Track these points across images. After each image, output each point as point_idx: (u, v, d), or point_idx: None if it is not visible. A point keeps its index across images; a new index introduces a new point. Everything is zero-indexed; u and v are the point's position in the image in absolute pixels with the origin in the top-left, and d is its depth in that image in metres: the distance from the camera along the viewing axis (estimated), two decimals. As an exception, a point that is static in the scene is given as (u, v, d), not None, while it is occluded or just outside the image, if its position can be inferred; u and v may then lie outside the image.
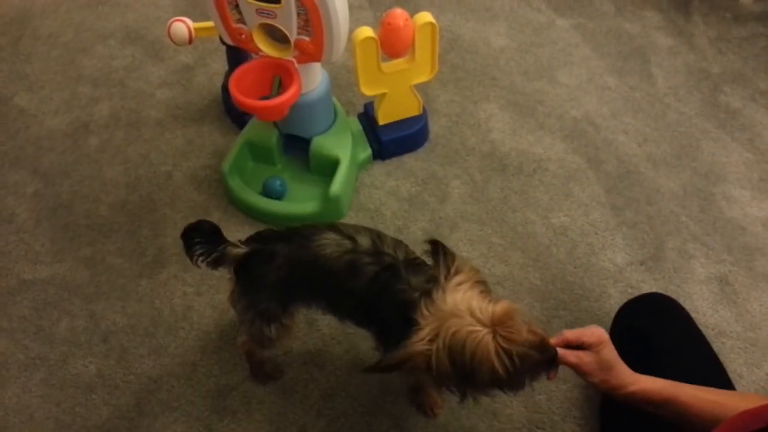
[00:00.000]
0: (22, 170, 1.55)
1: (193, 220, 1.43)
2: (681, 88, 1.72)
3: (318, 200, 1.42)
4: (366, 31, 1.34)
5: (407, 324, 0.88)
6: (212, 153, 1.58)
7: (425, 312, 0.86)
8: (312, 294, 1.06)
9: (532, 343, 0.84)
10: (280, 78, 1.31)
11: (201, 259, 1.03)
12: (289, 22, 1.19)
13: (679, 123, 1.64)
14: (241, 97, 1.24)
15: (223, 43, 1.49)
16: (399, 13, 1.33)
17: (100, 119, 1.66)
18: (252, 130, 1.49)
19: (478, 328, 0.82)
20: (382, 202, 1.47)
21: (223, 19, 1.25)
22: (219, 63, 1.76)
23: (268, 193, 1.44)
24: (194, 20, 1.36)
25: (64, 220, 1.45)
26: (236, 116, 1.62)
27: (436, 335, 0.84)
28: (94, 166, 1.55)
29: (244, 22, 1.24)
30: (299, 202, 1.44)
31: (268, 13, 1.19)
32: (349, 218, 1.44)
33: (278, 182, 1.45)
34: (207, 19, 1.39)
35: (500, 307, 0.83)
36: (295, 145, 1.49)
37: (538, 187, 1.50)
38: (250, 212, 1.45)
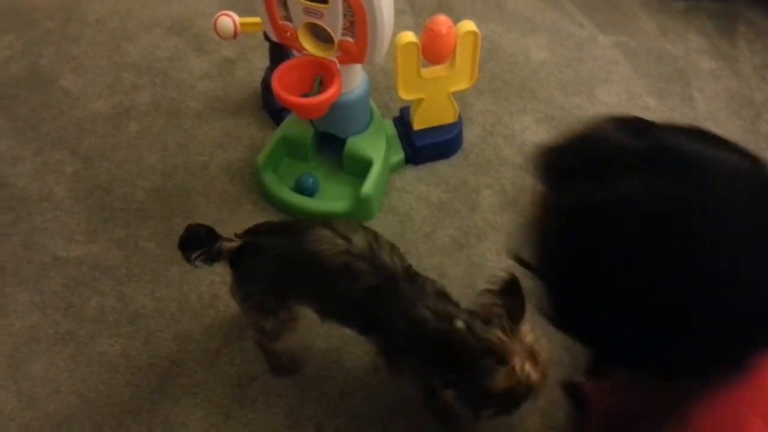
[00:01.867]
0: (63, 150, 1.59)
1: (225, 210, 1.48)
2: (721, 113, 1.70)
3: (349, 200, 1.43)
4: (408, 36, 1.35)
5: (420, 340, 0.94)
6: (248, 146, 1.61)
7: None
8: (304, 291, 1.07)
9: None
10: (321, 77, 1.32)
11: (198, 260, 1.05)
12: (335, 22, 1.21)
13: (717, 148, 1.62)
14: (283, 93, 1.26)
15: (267, 39, 1.52)
16: (443, 20, 1.33)
17: (142, 106, 1.70)
18: (289, 126, 1.51)
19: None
20: (412, 206, 1.48)
21: (270, 15, 1.27)
22: (260, 59, 1.79)
23: (300, 189, 1.45)
24: (238, 15, 1.39)
25: (101, 202, 1.49)
26: (273, 111, 1.65)
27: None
28: (133, 152, 1.59)
29: (290, 20, 1.26)
30: (330, 200, 1.46)
31: (315, 13, 1.21)
32: (379, 220, 1.45)
33: (311, 179, 1.47)
34: (252, 14, 1.41)
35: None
36: (330, 144, 1.51)
37: (569, 203, 1.49)
38: (281, 207, 1.46)
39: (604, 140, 0.65)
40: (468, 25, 1.36)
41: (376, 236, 1.03)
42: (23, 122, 1.66)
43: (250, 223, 1.43)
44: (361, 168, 1.45)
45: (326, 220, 1.06)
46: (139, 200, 1.49)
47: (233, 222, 1.45)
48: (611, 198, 0.61)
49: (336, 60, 1.29)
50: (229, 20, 1.43)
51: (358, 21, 1.19)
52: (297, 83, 1.32)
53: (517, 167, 1.55)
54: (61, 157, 1.58)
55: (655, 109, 1.70)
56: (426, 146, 1.53)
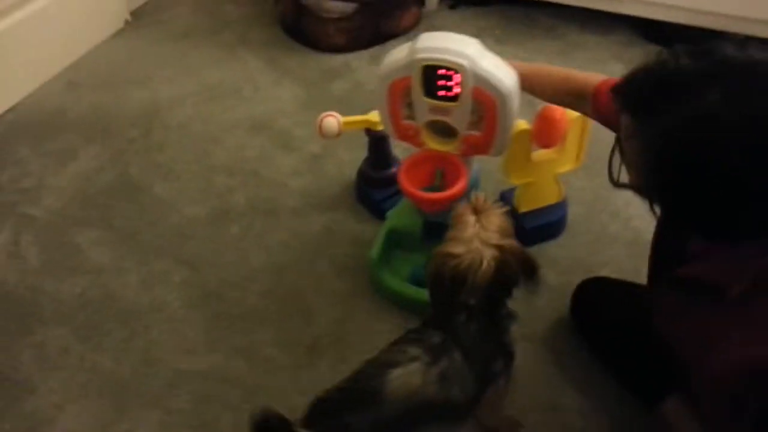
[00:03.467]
0: (167, 258, 1.58)
1: (341, 309, 1.45)
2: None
3: (470, 290, 1.40)
4: (521, 124, 1.37)
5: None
6: (350, 240, 1.60)
7: None
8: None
9: None
10: (442, 170, 1.33)
11: None
12: (462, 119, 1.23)
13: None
14: (410, 188, 1.27)
15: (368, 133, 1.55)
16: (556, 107, 1.36)
17: (238, 207, 1.70)
18: (397, 218, 1.51)
19: None
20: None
21: (394, 116, 1.29)
22: (347, 152, 1.81)
23: (417, 281, 1.43)
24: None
25: (215, 309, 1.46)
26: (370, 204, 1.65)
27: None
28: (238, 254, 1.58)
29: (413, 119, 1.28)
30: (450, 291, 1.43)
31: (442, 111, 1.23)
32: (500, 308, 1.42)
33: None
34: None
35: None
36: (436, 232, 1.50)
37: (688, 276, 1.46)
38: (399, 300, 1.43)
39: (669, 68, 0.76)
40: (578, 110, 1.39)
41: (410, 331, 1.04)
42: (121, 232, 1.66)
43: (373, 323, 1.42)
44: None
45: (380, 359, 1.01)
46: (252, 304, 1.47)
47: (355, 320, 1.42)
48: (692, 114, 0.72)
49: (458, 154, 1.30)
50: (334, 120, 1.46)
51: (487, 117, 1.21)
52: (419, 177, 1.33)
53: (629, 244, 1.54)
54: (166, 266, 1.57)
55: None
56: (536, 228, 1.52)
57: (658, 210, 0.86)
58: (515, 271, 1.01)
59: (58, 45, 2.23)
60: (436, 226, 1.48)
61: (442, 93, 1.19)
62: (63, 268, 1.57)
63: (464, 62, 1.13)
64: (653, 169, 0.79)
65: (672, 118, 0.73)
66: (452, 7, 2.44)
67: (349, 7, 2.16)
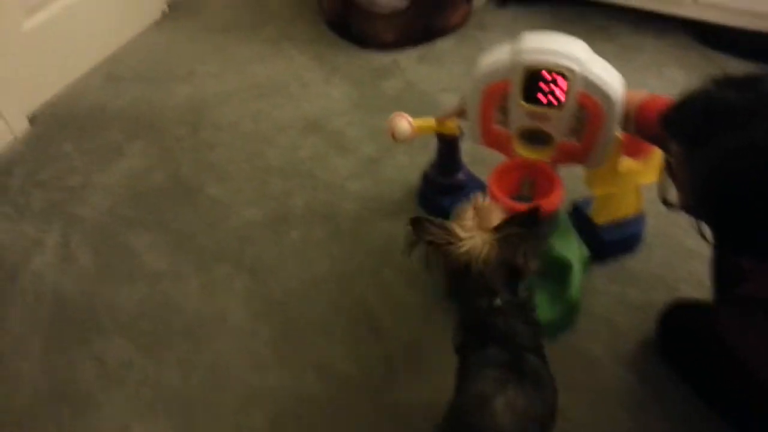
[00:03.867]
0: (226, 263, 1.51)
1: (411, 322, 1.39)
2: None
3: (552, 307, 1.33)
4: (612, 133, 1.31)
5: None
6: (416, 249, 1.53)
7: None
8: None
9: None
10: (531, 180, 1.27)
11: None
12: (561, 126, 1.16)
13: None
14: (505, 199, 1.20)
15: (440, 138, 1.48)
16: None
17: (296, 210, 1.63)
18: (470, 228, 1.44)
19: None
20: (612, 309, 1.38)
21: (484, 120, 1.22)
22: (404, 156, 1.75)
23: (495, 295, 1.37)
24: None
25: (281, 320, 1.39)
26: (437, 210, 1.58)
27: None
28: (300, 261, 1.51)
29: (505, 124, 1.21)
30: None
31: (540, 117, 1.16)
32: (582, 326, 1.35)
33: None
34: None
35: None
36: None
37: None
38: (474, 315, 1.37)
39: (714, 99, 0.78)
40: (666, 118, 1.32)
41: (467, 361, 0.98)
42: (178, 235, 1.59)
43: (448, 339, 1.35)
44: (555, 269, 1.37)
45: (471, 392, 0.93)
46: (320, 316, 1.40)
47: (428, 335, 1.35)
48: (737, 146, 0.75)
49: (550, 162, 1.24)
50: (406, 123, 1.39)
51: (590, 123, 1.14)
52: (507, 185, 1.26)
53: (706, 259, 1.47)
54: (226, 271, 1.50)
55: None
56: (615, 241, 1.45)
57: (704, 229, 0.90)
58: (523, 236, 0.93)
59: (95, 36, 2.16)
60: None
61: (543, 98, 1.13)
62: (119, 273, 1.50)
63: (574, 66, 1.07)
64: (700, 195, 0.83)
65: (717, 149, 0.77)
66: (501, 4, 2.37)
67: (402, 3, 2.09)
